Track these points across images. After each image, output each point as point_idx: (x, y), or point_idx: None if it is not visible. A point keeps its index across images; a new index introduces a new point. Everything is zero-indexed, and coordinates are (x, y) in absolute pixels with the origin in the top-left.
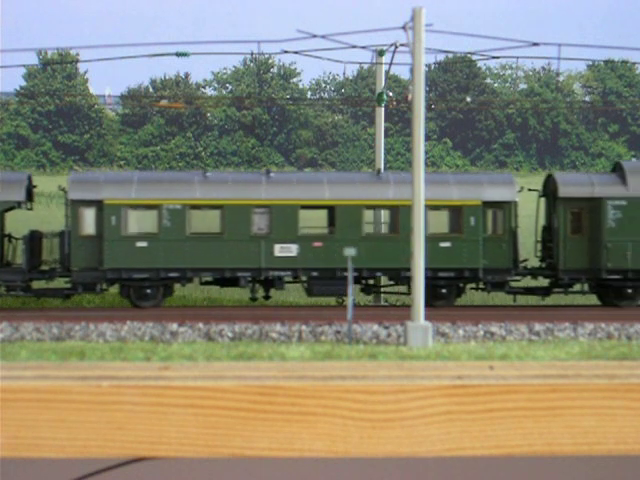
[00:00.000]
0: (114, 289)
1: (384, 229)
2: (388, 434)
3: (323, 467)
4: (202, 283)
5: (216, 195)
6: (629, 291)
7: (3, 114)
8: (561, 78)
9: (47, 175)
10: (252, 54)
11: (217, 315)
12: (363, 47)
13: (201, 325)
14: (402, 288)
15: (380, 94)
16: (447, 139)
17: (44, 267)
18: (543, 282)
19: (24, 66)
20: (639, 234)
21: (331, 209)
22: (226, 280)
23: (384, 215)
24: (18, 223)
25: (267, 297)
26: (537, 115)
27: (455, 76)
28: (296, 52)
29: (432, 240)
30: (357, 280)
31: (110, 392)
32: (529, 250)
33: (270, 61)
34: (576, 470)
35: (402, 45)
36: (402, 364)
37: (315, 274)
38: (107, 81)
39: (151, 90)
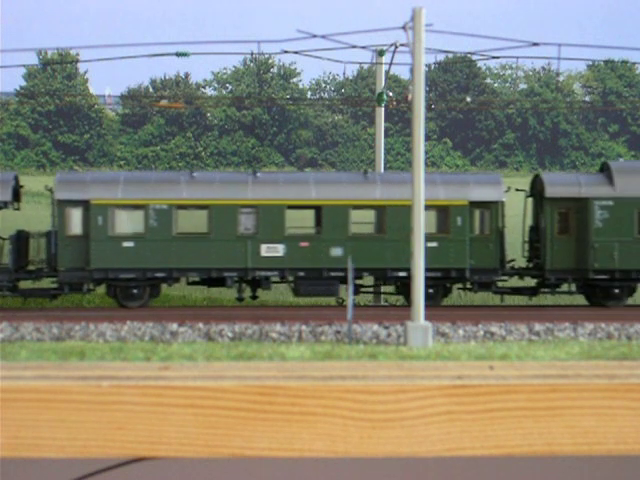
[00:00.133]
0: (101, 289)
1: (371, 229)
2: (388, 434)
3: (323, 467)
4: (189, 283)
5: (202, 195)
6: (616, 291)
7: (3, 114)
8: (561, 78)
9: (47, 175)
10: (252, 54)
11: (217, 315)
12: (363, 47)
13: (201, 325)
14: (389, 288)
15: (380, 94)
16: (447, 139)
17: (31, 267)
18: (531, 282)
19: (24, 66)
20: (626, 234)
21: (318, 209)
22: (213, 280)
23: (371, 215)
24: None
25: (254, 297)
26: (537, 115)
27: (455, 76)
28: (296, 52)
29: None
30: (344, 280)
31: (110, 392)
32: (518, 250)
33: (270, 61)
34: (576, 470)
35: (402, 45)
36: (402, 364)
37: (302, 274)
38: (107, 81)
39: (151, 90)
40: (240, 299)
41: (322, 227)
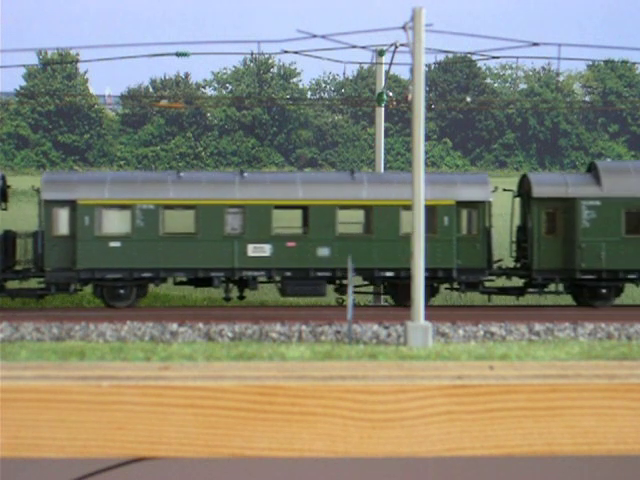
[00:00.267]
0: (88, 289)
1: (358, 229)
2: (388, 434)
3: (323, 467)
4: (176, 283)
5: (189, 195)
6: (603, 291)
7: (3, 114)
8: (561, 78)
9: None
10: (252, 54)
11: (217, 315)
12: (363, 47)
13: (201, 325)
14: (368, 289)
15: (380, 94)
16: (447, 139)
17: (18, 267)
18: (519, 282)
19: (24, 66)
20: (613, 234)
21: (304, 209)
22: (200, 280)
23: (358, 215)
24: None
25: (241, 297)
26: (537, 115)
27: (455, 76)
28: (296, 52)
29: (406, 240)
30: (331, 280)
31: (110, 392)
32: (506, 250)
33: (270, 61)
34: (576, 470)
35: (402, 45)
36: (402, 364)
37: (288, 274)
38: (107, 81)
39: (151, 90)
40: (227, 299)
41: (309, 227)
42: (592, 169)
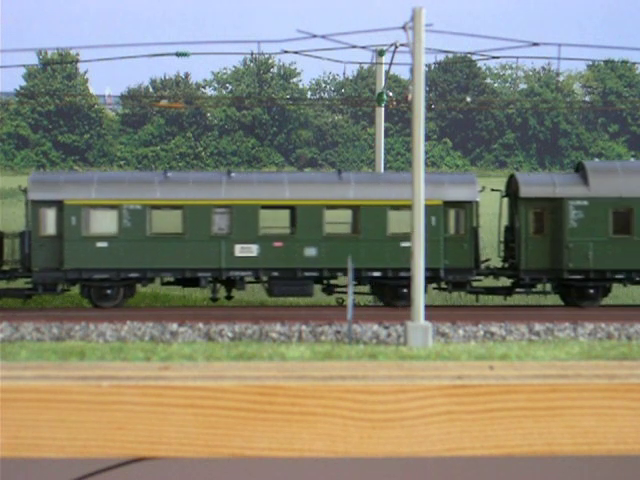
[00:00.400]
0: (75, 289)
1: (345, 229)
2: (388, 434)
3: (323, 467)
4: (163, 283)
5: (176, 195)
6: (591, 291)
7: (3, 114)
8: (561, 78)
9: None
10: (252, 54)
11: (217, 315)
12: (363, 47)
13: (201, 325)
14: (364, 288)
15: (380, 94)
16: (447, 139)
17: (5, 267)
18: (506, 282)
19: (24, 66)
20: (600, 234)
21: (292, 209)
22: (187, 280)
23: (345, 215)
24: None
25: (229, 297)
26: (537, 115)
27: (455, 76)
28: (296, 52)
29: (393, 240)
30: (318, 280)
31: (110, 392)
32: (494, 250)
33: (270, 61)
34: (576, 470)
35: (402, 45)
36: (402, 364)
37: (276, 274)
38: (107, 81)
39: (151, 90)
40: (214, 299)
41: (296, 227)
42: (580, 169)
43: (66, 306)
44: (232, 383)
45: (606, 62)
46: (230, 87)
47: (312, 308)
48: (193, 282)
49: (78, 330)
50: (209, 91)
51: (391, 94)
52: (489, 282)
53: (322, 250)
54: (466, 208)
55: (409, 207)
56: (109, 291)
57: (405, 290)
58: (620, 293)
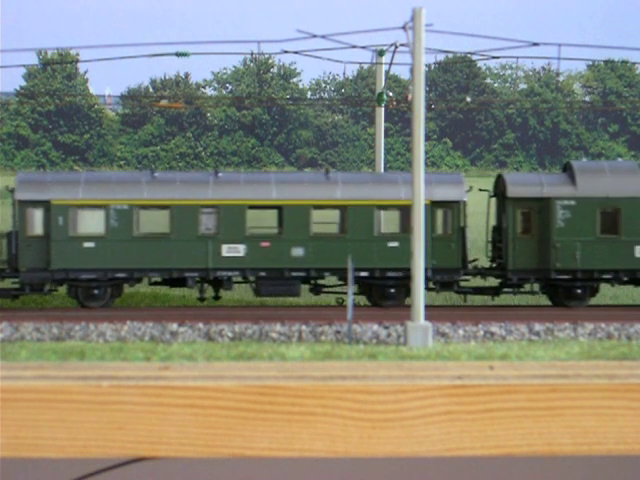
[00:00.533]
0: (63, 289)
1: (332, 229)
2: (388, 434)
3: (323, 467)
4: (151, 283)
5: (163, 195)
6: (578, 291)
7: (3, 114)
8: (561, 78)
9: None
10: (252, 54)
11: (217, 315)
12: (363, 47)
13: (201, 325)
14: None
15: (380, 94)
16: (447, 139)
17: None
18: (495, 282)
19: (24, 66)
20: (588, 234)
21: (279, 209)
22: (174, 280)
23: (332, 215)
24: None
25: (216, 297)
26: (537, 115)
27: (455, 76)
28: (296, 52)
29: (380, 240)
30: (305, 280)
31: (110, 392)
32: (482, 250)
33: (270, 61)
34: (576, 470)
35: (402, 45)
36: (402, 364)
37: (263, 274)
38: (107, 81)
39: (151, 90)
40: (201, 299)
41: (283, 227)
42: (567, 169)
43: (66, 306)
44: (232, 383)
45: (606, 62)
46: (230, 87)
47: (312, 308)
48: (180, 282)
49: (78, 330)
50: (209, 91)
51: (391, 94)
52: (477, 282)
53: (309, 250)
54: (453, 208)
55: (396, 207)
56: (96, 291)
57: (392, 290)
58: (620, 293)
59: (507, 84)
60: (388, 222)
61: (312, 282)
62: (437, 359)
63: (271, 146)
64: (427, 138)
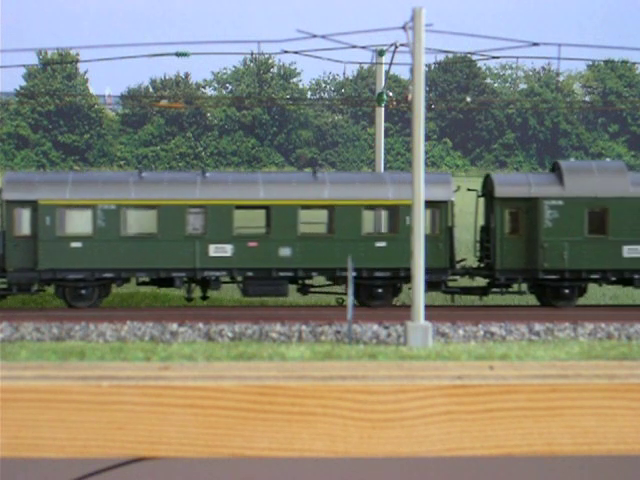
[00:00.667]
0: (50, 289)
1: (320, 229)
2: (388, 434)
3: (323, 467)
4: (138, 283)
5: (151, 195)
6: (566, 291)
7: (3, 114)
8: (561, 78)
9: None
10: (252, 54)
11: (217, 315)
12: (363, 47)
13: (201, 325)
14: (339, 288)
15: (380, 94)
16: (447, 139)
17: None
18: (482, 282)
19: (24, 66)
20: (576, 234)
21: (267, 209)
22: (162, 280)
23: (320, 215)
24: None
25: (204, 297)
26: (537, 115)
27: (455, 76)
28: (296, 52)
29: (368, 240)
30: (293, 280)
31: (110, 392)
32: (470, 250)
33: (270, 61)
34: (576, 470)
35: (402, 45)
36: (402, 364)
37: (250, 274)
38: (107, 81)
39: (151, 90)
40: (189, 299)
41: (271, 227)
42: (555, 169)
43: (66, 306)
44: (232, 383)
45: (606, 62)
46: (230, 87)
47: (312, 308)
48: (168, 282)
49: (78, 330)
50: (209, 91)
51: (391, 94)
52: (465, 282)
53: (297, 250)
54: (441, 208)
55: (384, 207)
56: (84, 291)
57: (380, 290)
58: (620, 293)
59: (507, 84)
60: (376, 222)
61: (300, 282)
62: (437, 359)
63: (271, 146)
64: (427, 138)
